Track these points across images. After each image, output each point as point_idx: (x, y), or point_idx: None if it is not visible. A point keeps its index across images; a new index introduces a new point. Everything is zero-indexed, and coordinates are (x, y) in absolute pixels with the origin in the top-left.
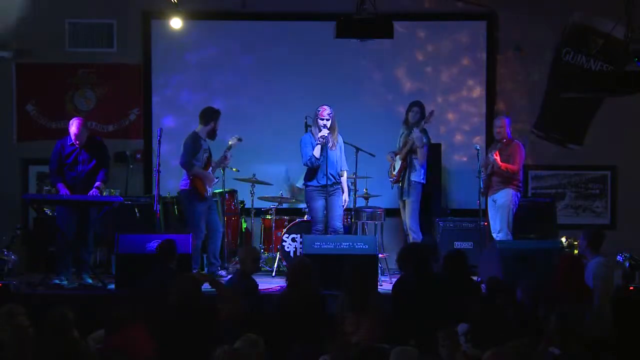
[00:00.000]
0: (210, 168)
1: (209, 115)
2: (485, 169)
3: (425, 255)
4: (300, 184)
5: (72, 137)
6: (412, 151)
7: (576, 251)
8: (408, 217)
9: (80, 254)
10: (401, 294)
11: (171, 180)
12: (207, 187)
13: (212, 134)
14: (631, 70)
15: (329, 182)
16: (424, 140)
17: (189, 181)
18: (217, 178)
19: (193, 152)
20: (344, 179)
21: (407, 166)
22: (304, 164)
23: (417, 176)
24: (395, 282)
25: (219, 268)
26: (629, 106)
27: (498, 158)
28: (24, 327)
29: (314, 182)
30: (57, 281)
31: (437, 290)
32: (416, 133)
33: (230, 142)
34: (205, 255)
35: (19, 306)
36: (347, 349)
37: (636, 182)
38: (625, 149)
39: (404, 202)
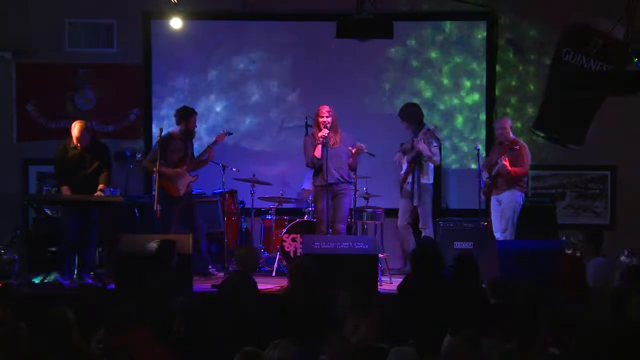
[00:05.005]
0: (184, 167)
1: (179, 115)
2: (490, 169)
3: (439, 255)
4: (304, 184)
5: (74, 140)
6: (419, 155)
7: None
8: (422, 217)
9: (81, 254)
10: (408, 292)
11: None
12: (177, 186)
13: (187, 133)
14: (631, 70)
15: (332, 181)
16: (434, 143)
17: (158, 182)
18: (196, 175)
19: (152, 154)
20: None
21: (413, 169)
22: (306, 165)
23: (426, 178)
24: (402, 281)
25: (210, 266)
26: (629, 106)
27: (507, 164)
28: (12, 326)
29: (319, 182)
30: (60, 279)
31: (446, 291)
32: (420, 144)
33: (215, 138)
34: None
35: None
36: (347, 349)
37: (636, 182)
38: (625, 149)
39: (409, 203)
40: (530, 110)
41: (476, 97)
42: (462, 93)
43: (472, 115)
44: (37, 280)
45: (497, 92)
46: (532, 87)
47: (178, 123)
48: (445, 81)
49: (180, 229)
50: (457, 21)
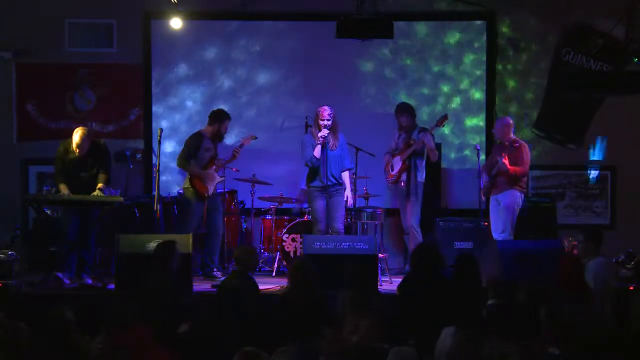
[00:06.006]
0: (214, 167)
1: (214, 117)
2: (490, 169)
3: (439, 256)
4: (301, 185)
5: (74, 146)
6: (415, 153)
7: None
8: (411, 216)
9: (81, 254)
10: (408, 292)
11: (171, 180)
12: (207, 186)
13: (216, 136)
14: (631, 70)
15: (329, 183)
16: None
17: (189, 180)
18: (223, 176)
19: (189, 152)
20: (346, 177)
21: (409, 167)
22: (305, 164)
23: (421, 176)
24: (402, 280)
25: (215, 269)
26: (629, 106)
27: (507, 162)
28: (11, 326)
29: (315, 183)
30: (60, 275)
31: (446, 291)
32: (426, 137)
33: (242, 140)
34: (200, 256)
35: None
36: (347, 349)
37: (636, 182)
38: (625, 149)
39: (406, 202)
40: (530, 110)
41: (476, 96)
42: (462, 92)
43: (472, 114)
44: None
45: (496, 92)
46: (531, 87)
47: (211, 124)
48: (446, 80)
49: (199, 229)
50: (457, 21)
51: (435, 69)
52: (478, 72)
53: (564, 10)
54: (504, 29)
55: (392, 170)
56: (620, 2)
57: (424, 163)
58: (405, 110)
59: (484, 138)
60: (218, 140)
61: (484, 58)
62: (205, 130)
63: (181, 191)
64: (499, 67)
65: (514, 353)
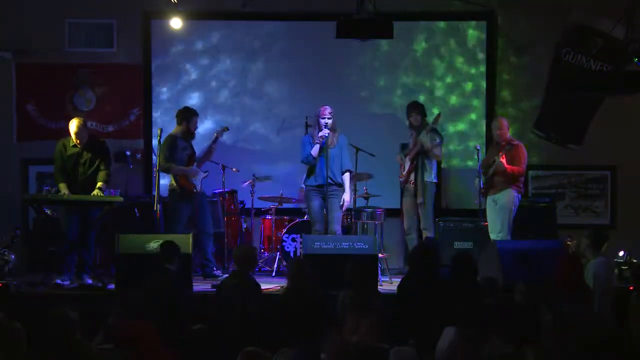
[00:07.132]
0: (195, 164)
1: (182, 116)
2: (488, 169)
3: (437, 255)
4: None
5: (73, 137)
6: (422, 152)
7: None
8: (423, 217)
9: (81, 254)
10: (407, 292)
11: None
12: (194, 182)
13: (187, 134)
14: (631, 70)
15: (327, 182)
16: (437, 140)
17: (175, 181)
18: (207, 172)
19: (168, 155)
20: (346, 178)
21: (416, 167)
22: (301, 161)
23: (429, 176)
24: (402, 280)
25: (215, 268)
26: (629, 106)
27: (504, 161)
28: (10, 327)
29: (311, 182)
30: (59, 281)
31: (443, 291)
32: (423, 136)
33: (215, 134)
34: (199, 256)
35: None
36: (347, 349)
37: (636, 182)
38: (625, 149)
39: (413, 202)
40: (530, 111)
41: (476, 96)
42: (462, 92)
43: (472, 114)
44: None
45: (496, 92)
46: (531, 87)
47: (179, 123)
48: (446, 80)
49: (187, 229)
50: (457, 21)
51: (405, 78)
52: (472, 71)
53: (564, 10)
54: (504, 29)
55: (404, 170)
56: (620, 2)
57: (433, 162)
58: (414, 108)
59: (483, 141)
60: (190, 138)
61: (456, 63)
62: (175, 131)
63: (169, 191)
64: (504, 65)
65: (514, 353)
